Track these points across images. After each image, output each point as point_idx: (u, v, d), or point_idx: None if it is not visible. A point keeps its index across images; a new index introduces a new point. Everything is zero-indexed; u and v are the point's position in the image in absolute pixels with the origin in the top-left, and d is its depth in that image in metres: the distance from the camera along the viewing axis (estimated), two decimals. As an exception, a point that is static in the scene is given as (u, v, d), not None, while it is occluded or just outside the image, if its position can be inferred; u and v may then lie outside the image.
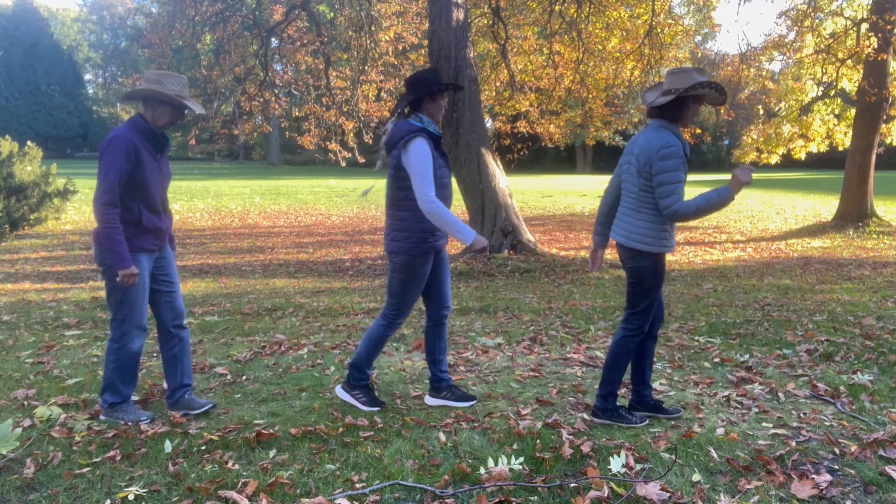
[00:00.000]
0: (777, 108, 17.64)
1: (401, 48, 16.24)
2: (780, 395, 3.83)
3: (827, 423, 3.35)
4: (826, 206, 18.96)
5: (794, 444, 3.05)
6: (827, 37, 15.32)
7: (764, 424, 3.34)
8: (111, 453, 3.02)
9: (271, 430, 3.28)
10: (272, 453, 3.05)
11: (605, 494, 2.56)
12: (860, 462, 2.87)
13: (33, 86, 46.93)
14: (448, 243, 3.61)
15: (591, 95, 15.14)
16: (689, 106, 3.21)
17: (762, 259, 11.49)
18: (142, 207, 3.35)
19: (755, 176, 3.13)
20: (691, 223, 15.89)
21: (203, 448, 3.10)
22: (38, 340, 5.46)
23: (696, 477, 2.75)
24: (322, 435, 3.24)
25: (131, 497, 2.64)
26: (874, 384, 3.98)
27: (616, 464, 2.80)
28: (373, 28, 14.77)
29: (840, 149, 16.30)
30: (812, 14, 15.14)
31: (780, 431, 3.23)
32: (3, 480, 2.78)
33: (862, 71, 14.57)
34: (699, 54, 24.25)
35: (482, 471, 2.78)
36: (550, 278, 9.23)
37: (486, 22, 13.91)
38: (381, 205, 19.97)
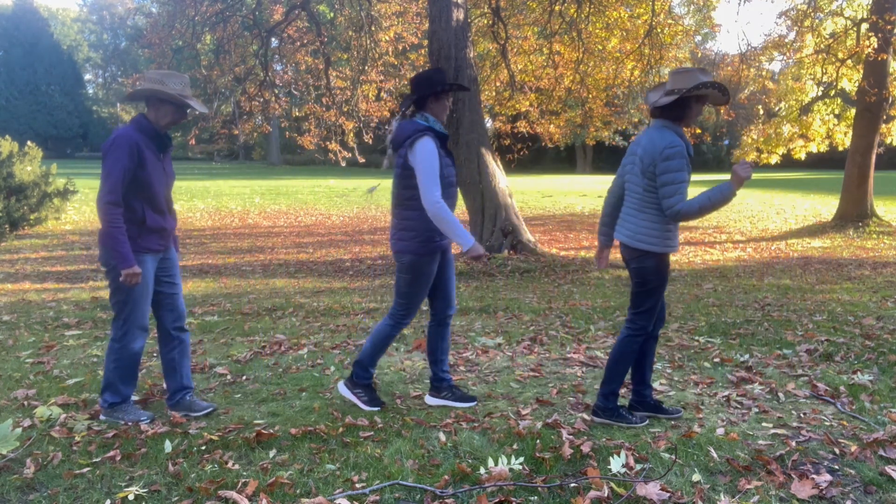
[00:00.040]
0: (777, 108, 17.62)
1: (401, 48, 16.23)
2: (780, 395, 3.83)
3: (827, 423, 3.35)
4: (826, 206, 18.95)
5: (794, 444, 3.05)
6: (827, 37, 15.32)
7: (764, 424, 3.34)
8: (111, 453, 3.02)
9: (271, 430, 3.28)
10: (272, 453, 3.05)
11: (605, 494, 2.56)
12: (860, 462, 2.87)
13: (33, 86, 46.95)
14: (451, 243, 3.62)
15: (591, 95, 15.14)
16: (693, 106, 3.20)
17: (762, 259, 11.49)
18: (146, 207, 3.35)
19: (755, 176, 3.14)
20: (691, 223, 15.89)
21: (203, 448, 3.10)
22: (38, 340, 5.46)
23: (696, 477, 2.75)
24: (322, 435, 3.24)
25: (131, 497, 2.64)
26: (874, 384, 3.98)
27: (616, 464, 2.80)
28: (373, 28, 14.77)
29: (840, 149, 16.29)
30: (812, 14, 15.14)
31: (780, 431, 3.23)
32: (3, 480, 2.78)
33: (862, 71, 14.58)
34: (699, 54, 24.27)
35: (482, 471, 2.78)
36: (550, 278, 9.23)
37: (486, 22, 13.90)
38: (381, 205, 19.97)
